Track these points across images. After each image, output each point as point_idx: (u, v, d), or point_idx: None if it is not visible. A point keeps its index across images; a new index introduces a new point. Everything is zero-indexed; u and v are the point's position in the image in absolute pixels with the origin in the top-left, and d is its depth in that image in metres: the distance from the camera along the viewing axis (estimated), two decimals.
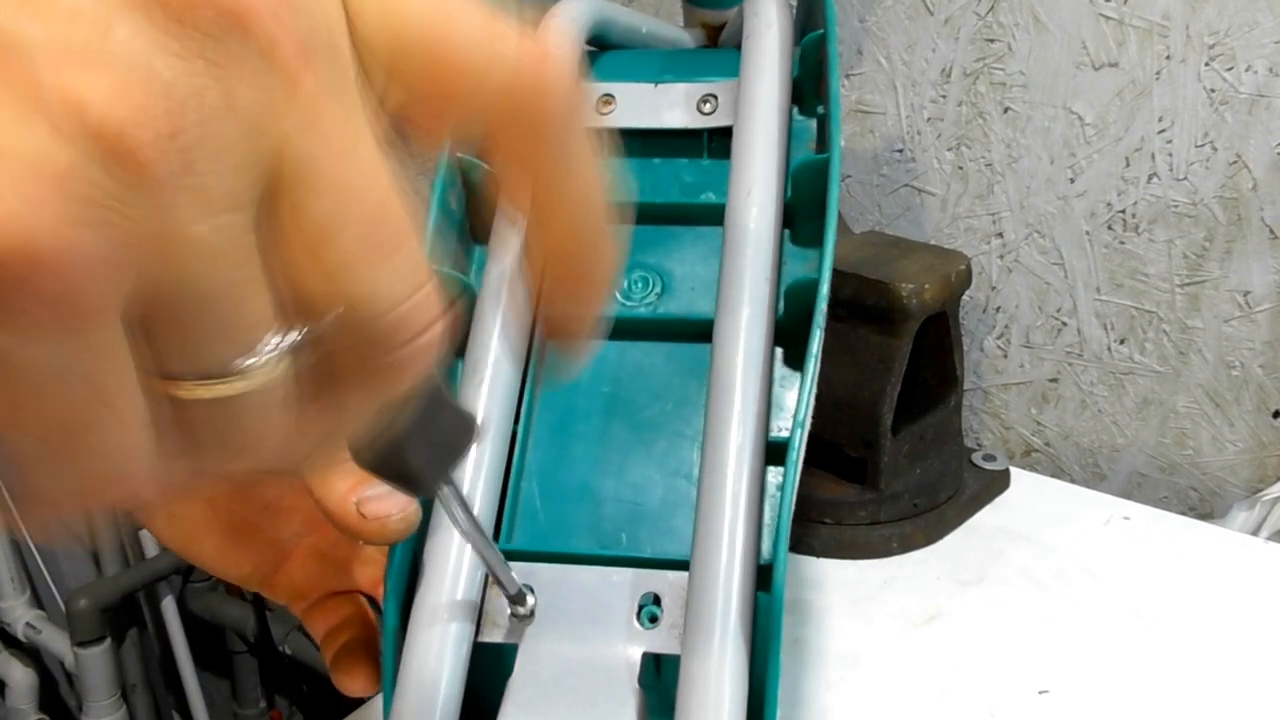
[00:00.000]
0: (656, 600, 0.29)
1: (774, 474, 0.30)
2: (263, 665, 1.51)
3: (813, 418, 0.62)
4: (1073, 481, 0.74)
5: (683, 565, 0.29)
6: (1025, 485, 0.68)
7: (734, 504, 0.28)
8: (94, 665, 1.38)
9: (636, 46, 0.43)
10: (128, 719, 1.45)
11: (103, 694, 1.39)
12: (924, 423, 0.63)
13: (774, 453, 0.30)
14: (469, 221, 0.37)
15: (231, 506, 0.32)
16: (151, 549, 1.47)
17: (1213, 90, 0.63)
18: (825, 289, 0.30)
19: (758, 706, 0.27)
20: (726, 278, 0.32)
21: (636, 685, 0.28)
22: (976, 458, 0.67)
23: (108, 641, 1.39)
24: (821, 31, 0.36)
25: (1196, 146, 0.65)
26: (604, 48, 0.42)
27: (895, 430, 0.61)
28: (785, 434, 0.30)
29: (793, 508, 0.28)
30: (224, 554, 0.32)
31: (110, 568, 1.45)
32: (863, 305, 0.60)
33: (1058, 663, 0.52)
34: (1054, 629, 0.55)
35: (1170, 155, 0.66)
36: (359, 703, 0.56)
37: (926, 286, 0.59)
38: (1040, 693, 0.51)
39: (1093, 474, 0.75)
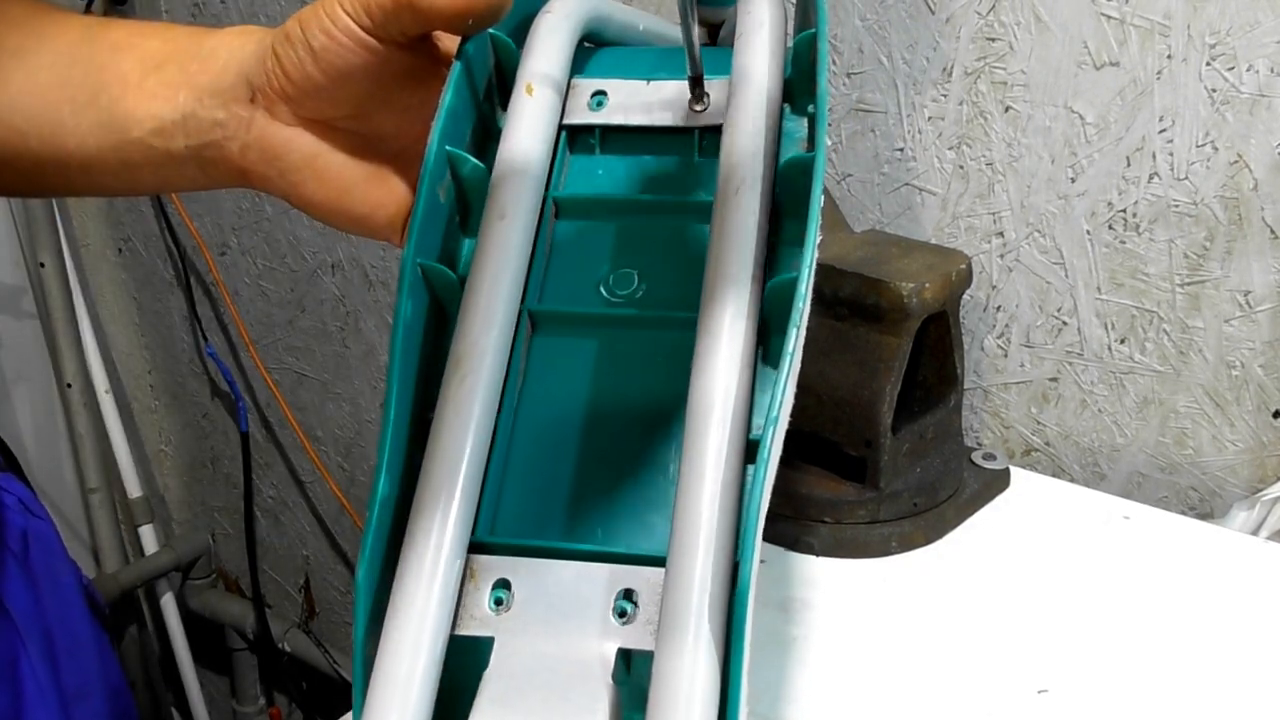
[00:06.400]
0: (632, 597, 0.29)
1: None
2: (262, 662, 1.51)
3: (813, 416, 0.62)
4: (1073, 481, 0.74)
5: (659, 561, 0.29)
6: (1025, 485, 0.68)
7: (711, 502, 0.28)
8: None
9: (634, 44, 0.43)
10: None
11: None
12: (924, 422, 0.63)
13: (754, 451, 0.30)
14: (457, 214, 0.37)
15: (367, 157, 0.40)
16: (151, 546, 1.47)
17: (1214, 90, 0.63)
18: (804, 287, 0.30)
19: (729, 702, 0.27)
20: (710, 276, 0.32)
21: (610, 680, 0.28)
22: (976, 457, 0.67)
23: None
24: (813, 30, 0.36)
25: (1197, 146, 0.65)
26: (600, 44, 0.42)
27: (895, 429, 0.61)
28: None
29: (764, 505, 0.28)
30: (369, 196, 0.41)
31: (110, 564, 1.45)
32: (863, 304, 0.60)
33: (1057, 662, 0.52)
34: (1054, 629, 0.55)
35: (1171, 155, 0.66)
36: None
37: (927, 285, 0.59)
38: (1040, 692, 0.51)
39: (1093, 474, 0.75)
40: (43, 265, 1.31)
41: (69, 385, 1.37)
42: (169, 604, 1.48)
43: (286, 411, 1.32)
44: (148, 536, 1.47)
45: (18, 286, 1.37)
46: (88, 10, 1.22)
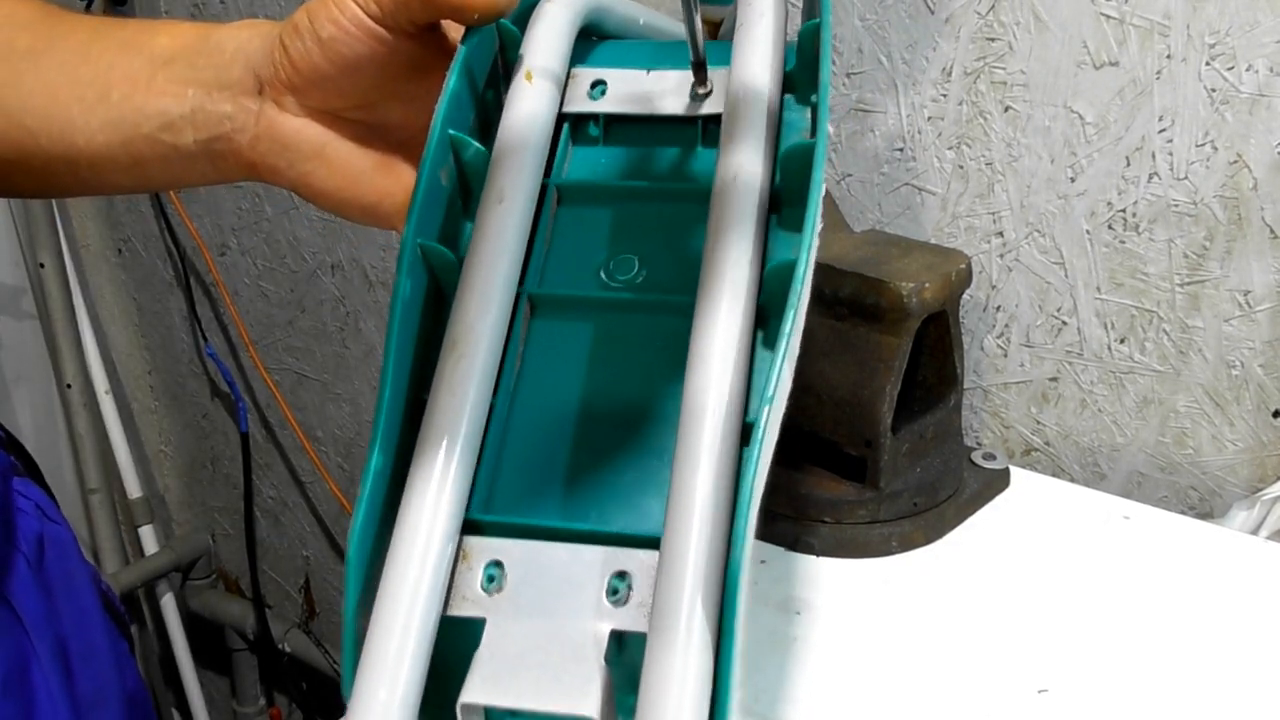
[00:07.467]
0: (626, 578, 0.29)
1: None
2: (262, 663, 1.51)
3: (813, 416, 0.62)
4: (1073, 481, 0.74)
5: (654, 543, 0.29)
6: (1025, 484, 0.68)
7: (705, 484, 0.28)
8: None
9: (634, 38, 0.43)
10: None
11: None
12: (924, 422, 0.63)
13: (750, 434, 0.30)
14: (459, 198, 0.37)
15: (375, 146, 0.41)
16: (151, 546, 1.47)
17: (1213, 90, 0.63)
18: (802, 268, 0.30)
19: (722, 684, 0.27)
20: (708, 261, 0.32)
21: (603, 662, 0.28)
22: (976, 457, 0.67)
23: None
24: (817, 20, 0.36)
25: (1197, 146, 0.65)
26: (601, 38, 0.42)
27: (895, 429, 0.61)
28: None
29: (758, 486, 0.28)
30: (377, 184, 0.41)
31: (110, 565, 1.45)
32: (863, 304, 0.60)
33: (1057, 662, 0.52)
34: (1054, 629, 0.55)
35: (1171, 155, 0.66)
36: None
37: (927, 285, 0.59)
38: (1040, 692, 0.51)
39: (1093, 473, 0.75)
40: (43, 265, 1.31)
41: (69, 386, 1.37)
42: (169, 604, 1.48)
43: (286, 412, 1.32)
44: (148, 537, 1.47)
45: (18, 287, 1.37)
46: (87, 9, 1.22)
